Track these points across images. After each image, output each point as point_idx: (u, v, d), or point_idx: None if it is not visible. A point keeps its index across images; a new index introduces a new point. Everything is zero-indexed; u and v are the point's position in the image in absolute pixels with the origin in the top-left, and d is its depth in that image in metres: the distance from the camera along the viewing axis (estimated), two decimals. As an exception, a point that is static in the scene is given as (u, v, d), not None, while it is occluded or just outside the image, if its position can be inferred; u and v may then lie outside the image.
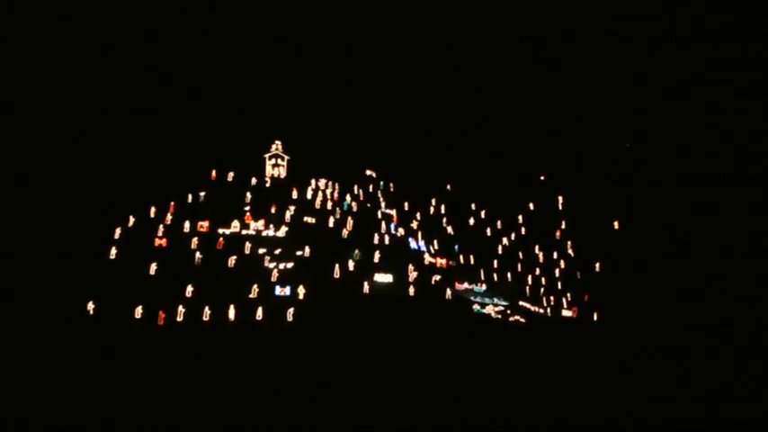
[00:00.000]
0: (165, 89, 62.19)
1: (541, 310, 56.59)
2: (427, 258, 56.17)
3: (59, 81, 58.16)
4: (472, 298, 54.36)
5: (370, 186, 63.06)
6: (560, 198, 65.47)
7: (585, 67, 68.48)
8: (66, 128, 55.84)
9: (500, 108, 70.86)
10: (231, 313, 46.17)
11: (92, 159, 55.26)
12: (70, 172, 53.74)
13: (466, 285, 55.16)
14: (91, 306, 44.77)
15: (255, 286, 48.20)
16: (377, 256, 53.38)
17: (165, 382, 38.56)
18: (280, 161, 60.33)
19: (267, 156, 60.32)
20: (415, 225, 59.96)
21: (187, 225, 52.60)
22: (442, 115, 69.99)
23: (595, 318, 56.10)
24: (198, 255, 50.47)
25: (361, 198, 60.90)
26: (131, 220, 52.24)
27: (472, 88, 70.77)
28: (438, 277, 53.73)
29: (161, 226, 52.29)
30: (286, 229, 54.02)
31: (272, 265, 50.57)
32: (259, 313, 46.51)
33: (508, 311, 54.08)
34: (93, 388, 37.34)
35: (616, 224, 61.93)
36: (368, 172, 64.17)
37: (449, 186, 65.65)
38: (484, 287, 55.81)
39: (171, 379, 38.97)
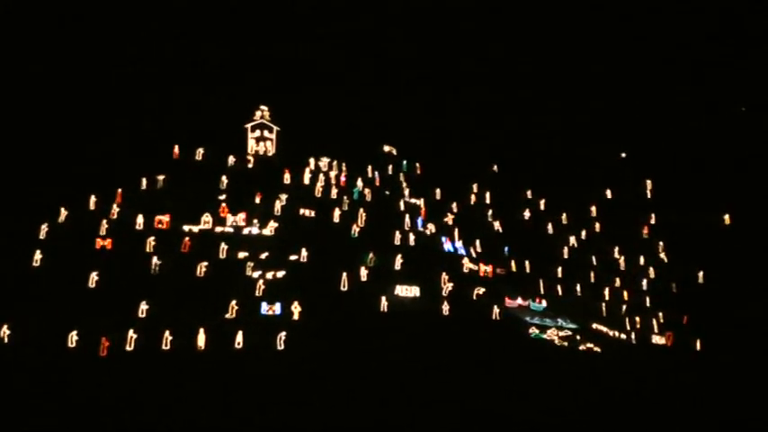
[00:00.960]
0: (109, 34, 62.02)
1: (623, 336, 56.16)
2: (467, 264, 55.80)
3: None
4: (528, 319, 53.74)
5: (389, 167, 62.84)
6: (648, 183, 65.20)
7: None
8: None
9: (565, 63, 71.23)
10: (201, 339, 45.53)
11: (8, 132, 55.17)
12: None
13: (520, 302, 54.69)
14: (5, 331, 43.92)
15: (234, 303, 47.63)
16: (398, 261, 52.87)
17: None
18: (266, 133, 60.15)
19: (249, 126, 60.05)
20: (449, 220, 59.71)
21: (140, 220, 52.11)
22: (485, 72, 70.08)
23: (698, 347, 55.75)
24: (155, 260, 49.78)
25: (377, 183, 60.76)
26: (63, 213, 51.78)
27: (526, 38, 70.88)
28: (482, 290, 53.27)
29: (104, 221, 51.66)
30: (275, 225, 53.62)
31: (256, 275, 50.13)
32: (239, 339, 45.89)
33: (577, 337, 53.53)
34: None
35: (727, 218, 61.63)
36: (386, 148, 64.11)
37: (495, 167, 65.57)
38: (544, 304, 55.32)
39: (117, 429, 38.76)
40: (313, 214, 55.32)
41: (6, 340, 43.68)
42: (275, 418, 40.35)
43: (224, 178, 55.95)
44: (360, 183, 59.08)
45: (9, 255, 48.31)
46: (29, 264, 48.30)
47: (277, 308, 47.98)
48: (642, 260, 60.98)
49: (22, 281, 47.19)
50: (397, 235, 54.92)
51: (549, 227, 61.78)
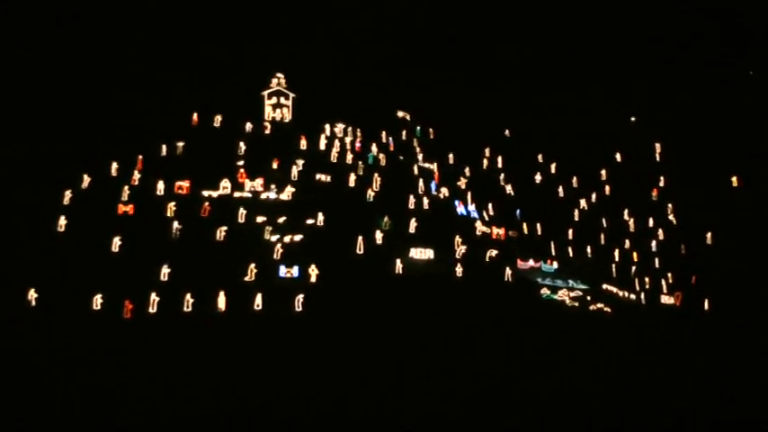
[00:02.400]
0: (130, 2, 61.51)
1: (633, 296, 56.17)
2: (479, 227, 55.72)
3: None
4: (540, 280, 54.03)
5: (403, 133, 62.55)
6: (657, 146, 64.69)
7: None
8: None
9: (576, 24, 70.32)
10: (221, 302, 45.84)
11: (31, 98, 54.76)
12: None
13: (531, 263, 54.85)
14: (32, 295, 44.11)
15: (253, 266, 47.81)
16: (413, 224, 52.99)
17: (133, 393, 38.28)
18: (283, 100, 59.79)
19: (266, 93, 59.81)
20: (462, 183, 59.77)
21: (161, 186, 52.11)
22: (496, 35, 69.44)
23: (706, 307, 55.41)
24: (176, 225, 49.83)
25: (391, 148, 60.56)
26: (86, 179, 51.69)
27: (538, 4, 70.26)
28: (494, 252, 53.27)
29: (126, 187, 51.69)
30: (292, 190, 53.68)
31: (274, 239, 50.21)
32: (258, 301, 46.22)
33: (588, 297, 53.75)
34: (38, 402, 37.06)
35: (734, 180, 61.20)
36: (399, 114, 63.77)
37: (507, 132, 65.27)
38: (555, 265, 55.53)
39: (141, 389, 38.63)
40: (329, 179, 55.24)
41: (33, 303, 43.80)
42: (293, 378, 40.13)
43: (242, 144, 55.68)
44: (374, 148, 59.00)
45: (35, 221, 48.35)
46: (54, 229, 48.30)
47: (295, 271, 48.11)
48: (652, 222, 60.64)
49: (47, 246, 47.21)
50: (412, 199, 54.96)
51: (561, 190, 61.52)
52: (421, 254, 51.23)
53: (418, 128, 63.32)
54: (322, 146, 58.15)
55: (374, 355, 42.34)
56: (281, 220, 51.13)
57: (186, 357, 41.41)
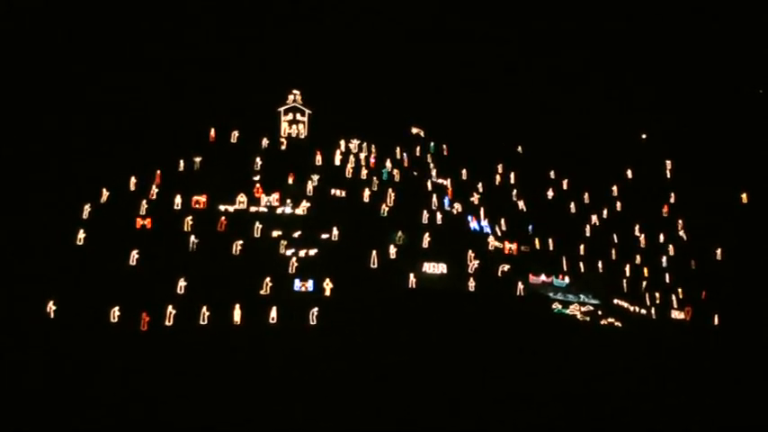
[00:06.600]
0: (151, 20, 61.60)
1: (643, 311, 55.82)
2: (492, 242, 55.73)
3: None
4: (552, 294, 53.78)
5: (417, 149, 62.43)
6: (668, 163, 64.26)
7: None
8: (18, 74, 55.78)
9: (586, 44, 70.28)
10: (236, 315, 45.70)
11: (52, 113, 54.85)
12: (23, 131, 53.45)
13: (543, 278, 54.57)
14: (52, 306, 44.10)
15: (268, 280, 47.77)
16: (426, 239, 52.74)
17: (150, 404, 37.97)
18: (299, 116, 59.74)
19: (282, 109, 59.74)
20: (475, 199, 59.56)
21: (178, 200, 52.24)
22: (509, 54, 69.27)
23: (716, 321, 54.96)
24: (192, 239, 49.93)
25: (406, 164, 60.38)
26: (105, 193, 51.82)
27: (548, 16, 70.13)
28: (506, 267, 53.10)
29: (144, 202, 51.84)
30: (307, 204, 53.62)
31: (289, 253, 50.14)
32: (273, 314, 45.99)
33: (599, 312, 53.43)
34: (54, 412, 36.92)
35: (744, 197, 60.61)
36: (414, 130, 63.57)
37: (520, 148, 65.08)
38: (567, 280, 55.22)
39: (157, 400, 38.33)
40: (344, 194, 55.25)
41: (52, 315, 43.80)
42: (308, 391, 39.69)
43: (258, 160, 55.76)
44: (389, 164, 58.73)
45: (55, 234, 48.34)
46: (73, 242, 48.40)
47: (309, 284, 47.98)
48: (662, 238, 60.21)
49: (66, 258, 47.22)
50: (425, 214, 54.82)
51: (572, 206, 61.27)
52: (434, 268, 51.03)
53: (432, 144, 63.14)
54: (337, 161, 58.13)
55: (387, 368, 41.78)
56: (297, 234, 51.13)
57: (202, 369, 40.97)
